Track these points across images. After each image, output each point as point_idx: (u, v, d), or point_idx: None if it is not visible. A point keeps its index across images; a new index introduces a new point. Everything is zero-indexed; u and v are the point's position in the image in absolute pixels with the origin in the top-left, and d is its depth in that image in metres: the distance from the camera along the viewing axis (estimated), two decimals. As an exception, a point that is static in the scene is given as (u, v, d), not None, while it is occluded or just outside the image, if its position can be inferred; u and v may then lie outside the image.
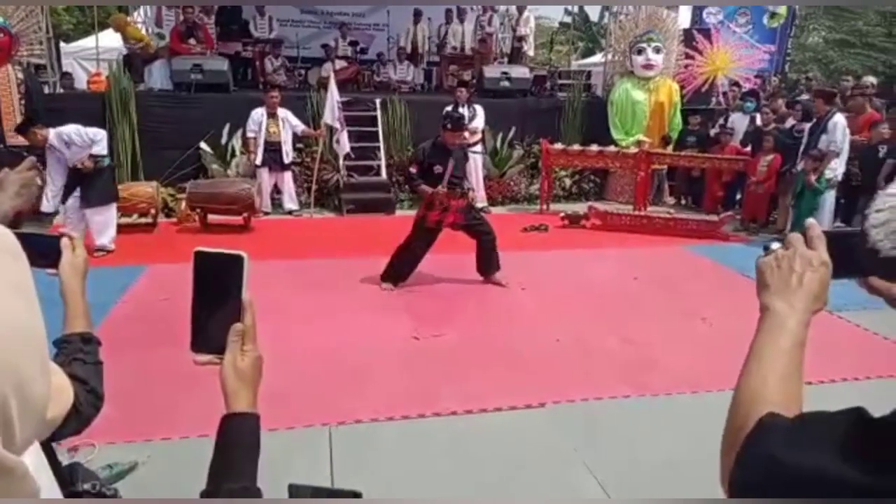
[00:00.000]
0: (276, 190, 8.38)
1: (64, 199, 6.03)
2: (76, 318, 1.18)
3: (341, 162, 8.60)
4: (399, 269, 5.37)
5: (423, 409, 3.44)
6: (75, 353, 1.14)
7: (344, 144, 8.28)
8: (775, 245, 0.86)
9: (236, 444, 0.90)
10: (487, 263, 5.49)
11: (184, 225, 7.53)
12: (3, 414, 0.51)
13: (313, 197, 8.35)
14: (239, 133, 8.43)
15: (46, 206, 5.89)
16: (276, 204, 8.40)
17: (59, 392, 0.77)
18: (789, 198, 7.39)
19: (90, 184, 5.99)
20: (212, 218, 7.36)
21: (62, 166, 5.87)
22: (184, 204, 7.47)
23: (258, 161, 7.98)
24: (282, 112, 8.04)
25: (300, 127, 8.20)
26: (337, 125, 8.11)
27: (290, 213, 8.30)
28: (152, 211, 7.30)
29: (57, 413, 0.73)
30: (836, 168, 6.86)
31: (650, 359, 4.12)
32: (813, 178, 6.80)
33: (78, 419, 1.01)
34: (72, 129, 5.85)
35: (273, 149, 7.99)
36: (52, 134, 5.76)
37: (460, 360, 4.08)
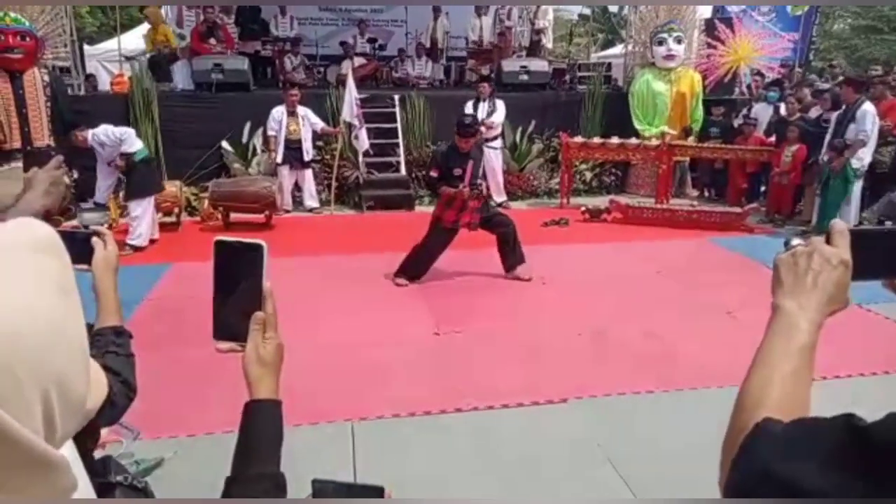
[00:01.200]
0: (297, 188, 8.43)
1: (101, 195, 6.64)
2: (108, 312, 1.21)
3: (361, 159, 8.63)
4: (415, 267, 5.40)
5: (444, 404, 3.44)
6: (108, 345, 1.17)
7: (363, 141, 8.31)
8: (796, 241, 0.82)
9: (260, 429, 0.92)
10: (511, 256, 5.47)
11: (207, 223, 7.62)
12: (45, 410, 0.52)
13: (333, 194, 8.39)
14: (260, 132, 8.50)
15: (98, 196, 6.67)
16: (297, 202, 8.46)
17: (95, 383, 0.79)
18: (815, 188, 7.25)
19: (128, 179, 6.41)
20: (234, 216, 7.44)
21: (104, 164, 6.40)
22: (206, 203, 7.56)
23: (279, 159, 8.04)
24: (301, 110, 8.09)
25: (319, 125, 8.24)
26: (355, 122, 8.13)
27: (310, 210, 8.35)
28: (176, 210, 7.39)
29: (93, 404, 0.75)
30: (864, 157, 6.71)
31: (674, 353, 4.08)
32: (837, 166, 6.66)
33: (112, 409, 1.04)
34: (100, 131, 6.24)
35: (294, 147, 8.04)
36: (90, 135, 6.22)
37: (481, 355, 4.08)
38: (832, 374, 3.65)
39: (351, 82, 8.15)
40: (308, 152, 8.15)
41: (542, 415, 3.37)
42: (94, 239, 1.19)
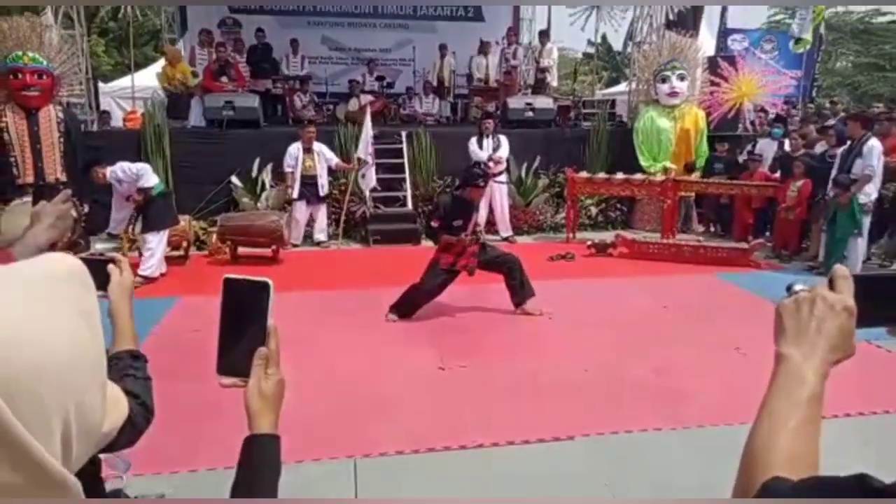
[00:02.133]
0: (309, 222, 8.50)
1: (121, 226, 6.75)
2: (125, 337, 1.24)
3: (368, 193, 8.71)
4: (409, 305, 5.37)
5: (449, 441, 3.40)
6: (126, 369, 1.19)
7: (370, 179, 8.41)
8: (799, 286, 0.80)
9: (259, 464, 0.93)
10: (520, 292, 5.45)
11: (214, 257, 7.67)
12: (64, 433, 0.55)
13: (341, 228, 8.44)
14: (269, 167, 8.62)
15: (111, 227, 6.82)
16: (306, 235, 8.52)
17: (115, 404, 0.81)
18: (822, 224, 7.24)
19: (145, 212, 6.53)
20: (241, 250, 7.49)
21: (122, 198, 6.52)
22: (215, 237, 7.62)
23: (295, 195, 8.13)
24: (317, 146, 8.21)
25: (334, 160, 8.35)
26: (368, 159, 8.26)
27: (318, 244, 8.39)
28: (184, 244, 7.45)
29: (113, 425, 0.77)
30: (871, 193, 6.72)
31: (682, 390, 4.03)
32: (844, 201, 6.66)
33: (132, 430, 1.07)
34: (117, 167, 6.39)
35: (310, 182, 8.13)
36: (108, 171, 6.35)
37: (487, 390, 4.04)
38: (842, 412, 3.60)
39: (368, 120, 8.30)
40: (323, 187, 8.24)
41: (548, 452, 3.32)
42: (111, 265, 1.22)
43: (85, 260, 1.14)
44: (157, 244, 6.50)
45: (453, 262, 5.29)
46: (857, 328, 0.76)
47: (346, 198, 8.36)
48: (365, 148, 8.15)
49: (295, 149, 8.10)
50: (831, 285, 0.78)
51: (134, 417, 1.06)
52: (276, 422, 0.94)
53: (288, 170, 8.13)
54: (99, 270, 1.19)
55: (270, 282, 0.93)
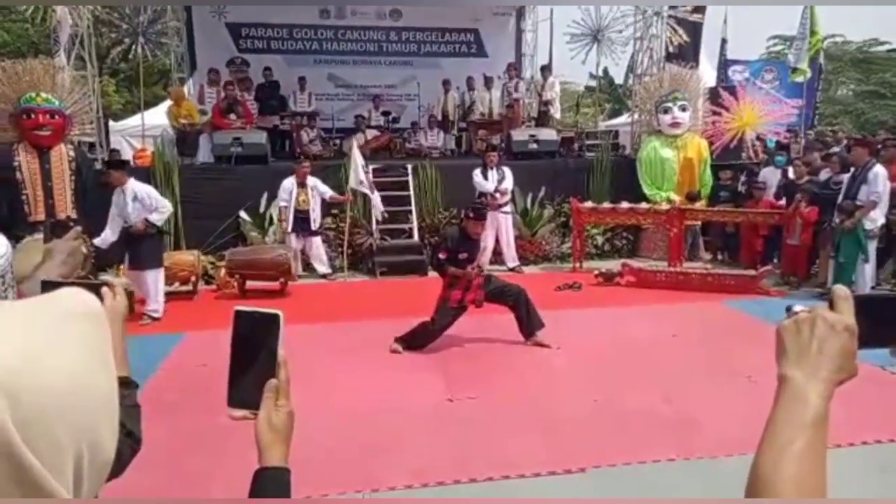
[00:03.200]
0: (303, 254, 8.53)
1: (113, 264, 6.60)
2: (115, 362, 1.22)
3: (374, 226, 8.77)
4: (418, 340, 5.37)
5: (458, 474, 3.35)
6: None
7: (377, 205, 8.51)
8: (798, 307, 0.79)
9: (269, 496, 0.92)
10: (528, 323, 5.43)
11: (223, 292, 7.69)
12: (76, 472, 0.55)
13: (346, 261, 8.47)
14: (276, 202, 8.72)
15: (98, 241, 6.49)
16: (308, 268, 8.53)
17: None
18: (829, 250, 7.22)
19: (138, 246, 6.46)
20: (250, 284, 7.51)
21: (120, 218, 6.44)
22: (223, 271, 7.66)
23: (289, 228, 8.20)
24: (311, 181, 8.29)
25: (328, 193, 8.41)
26: (364, 189, 8.34)
27: (323, 276, 8.42)
28: (193, 279, 7.48)
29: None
30: (877, 218, 6.71)
31: (694, 419, 3.97)
32: (850, 227, 6.65)
33: (117, 463, 1.04)
34: (147, 189, 6.54)
35: (302, 217, 8.19)
36: (130, 182, 6.42)
37: (496, 422, 4.00)
38: (859, 439, 3.53)
39: (356, 152, 8.44)
40: (316, 221, 8.29)
41: (560, 485, 3.27)
42: (104, 289, 1.19)
43: (77, 283, 1.15)
44: (158, 282, 6.52)
45: (461, 299, 5.30)
46: (859, 349, 0.76)
47: (347, 230, 8.43)
48: (356, 178, 8.26)
49: (289, 183, 8.19)
50: (831, 306, 0.77)
51: (120, 446, 1.06)
52: (286, 454, 0.94)
53: (282, 204, 8.21)
54: (92, 294, 1.21)
55: (281, 313, 0.93)
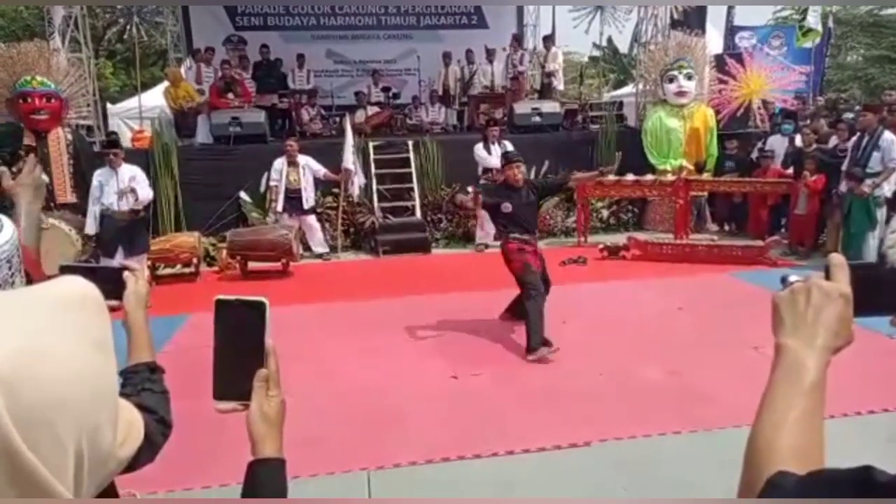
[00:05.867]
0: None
1: (111, 255, 6.38)
2: (141, 348, 1.19)
3: (376, 204, 8.69)
4: (540, 329, 4.63)
5: (463, 450, 3.34)
6: (143, 382, 1.16)
7: (354, 187, 8.51)
8: (794, 277, 0.79)
9: (266, 489, 0.89)
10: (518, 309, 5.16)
11: (225, 273, 7.67)
12: (77, 467, 0.54)
13: (343, 240, 8.43)
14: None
15: (89, 227, 6.58)
16: (307, 247, 8.49)
17: (130, 427, 0.81)
18: (837, 218, 7.12)
19: (131, 233, 6.46)
20: (252, 265, 7.49)
21: (101, 194, 6.46)
22: (224, 252, 7.63)
23: (279, 208, 8.14)
24: (302, 159, 8.20)
25: (321, 171, 8.33)
26: (352, 167, 8.31)
27: (319, 256, 8.36)
28: (194, 260, 7.46)
29: (130, 450, 0.76)
30: (884, 186, 6.61)
31: (700, 392, 3.94)
32: (865, 191, 6.52)
33: (150, 449, 1.03)
34: (143, 177, 6.71)
35: (293, 196, 8.12)
36: (125, 167, 6.53)
37: (500, 398, 3.98)
38: (865, 409, 3.49)
39: (349, 132, 8.40)
40: (308, 200, 8.21)
41: (564, 459, 3.25)
42: (126, 273, 1.19)
43: (100, 269, 1.12)
44: (144, 267, 6.54)
45: (529, 261, 4.84)
46: (856, 317, 0.76)
47: (339, 208, 8.38)
48: (350, 157, 8.21)
49: (280, 163, 8.13)
50: (827, 275, 0.77)
51: (151, 435, 1.03)
52: (280, 445, 0.91)
53: (273, 184, 8.17)
54: (114, 279, 1.17)
55: (266, 300, 0.89)
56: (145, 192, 6.58)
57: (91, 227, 6.53)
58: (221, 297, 0.90)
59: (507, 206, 4.91)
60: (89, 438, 0.55)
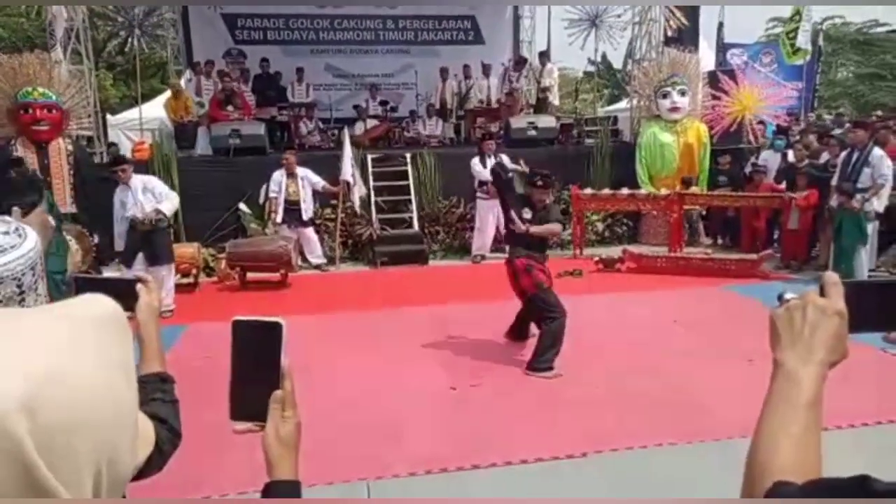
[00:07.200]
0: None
1: (129, 264, 6.36)
2: (152, 358, 1.21)
3: (374, 215, 8.76)
4: (554, 354, 4.66)
5: (461, 461, 3.38)
6: (154, 392, 1.17)
7: (356, 196, 8.58)
8: (789, 295, 0.81)
9: None
10: (522, 331, 5.26)
11: (224, 283, 7.70)
12: (96, 489, 0.54)
13: (341, 251, 8.46)
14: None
15: (118, 244, 6.49)
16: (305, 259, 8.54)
17: (142, 439, 0.80)
18: (829, 233, 7.21)
19: (152, 242, 6.33)
20: (250, 276, 7.53)
21: (126, 216, 6.29)
22: (224, 263, 7.67)
23: (278, 219, 8.20)
24: (301, 171, 8.26)
25: (321, 184, 8.38)
26: (350, 180, 8.39)
27: (317, 267, 8.41)
28: (194, 271, 7.50)
29: (141, 458, 0.76)
30: (874, 201, 6.71)
31: (696, 403, 3.99)
32: (856, 206, 6.62)
33: (160, 458, 1.04)
34: (153, 179, 6.53)
35: (292, 208, 8.17)
36: (136, 178, 6.32)
37: (499, 409, 4.02)
38: (859, 421, 3.56)
39: (347, 144, 8.47)
40: (307, 212, 8.28)
41: (562, 470, 3.30)
42: (139, 285, 1.20)
43: (113, 280, 1.14)
44: (171, 277, 6.51)
45: (545, 279, 4.88)
46: (850, 333, 0.78)
47: (338, 220, 8.44)
48: (348, 170, 8.28)
49: (279, 175, 8.19)
50: (822, 291, 0.79)
51: (161, 445, 1.05)
52: (295, 466, 0.91)
53: (272, 195, 8.22)
54: (127, 291, 1.17)
55: (283, 321, 0.89)
56: (167, 205, 6.37)
57: (119, 245, 6.48)
58: (239, 317, 0.90)
59: (527, 213, 4.87)
60: (109, 460, 0.55)
